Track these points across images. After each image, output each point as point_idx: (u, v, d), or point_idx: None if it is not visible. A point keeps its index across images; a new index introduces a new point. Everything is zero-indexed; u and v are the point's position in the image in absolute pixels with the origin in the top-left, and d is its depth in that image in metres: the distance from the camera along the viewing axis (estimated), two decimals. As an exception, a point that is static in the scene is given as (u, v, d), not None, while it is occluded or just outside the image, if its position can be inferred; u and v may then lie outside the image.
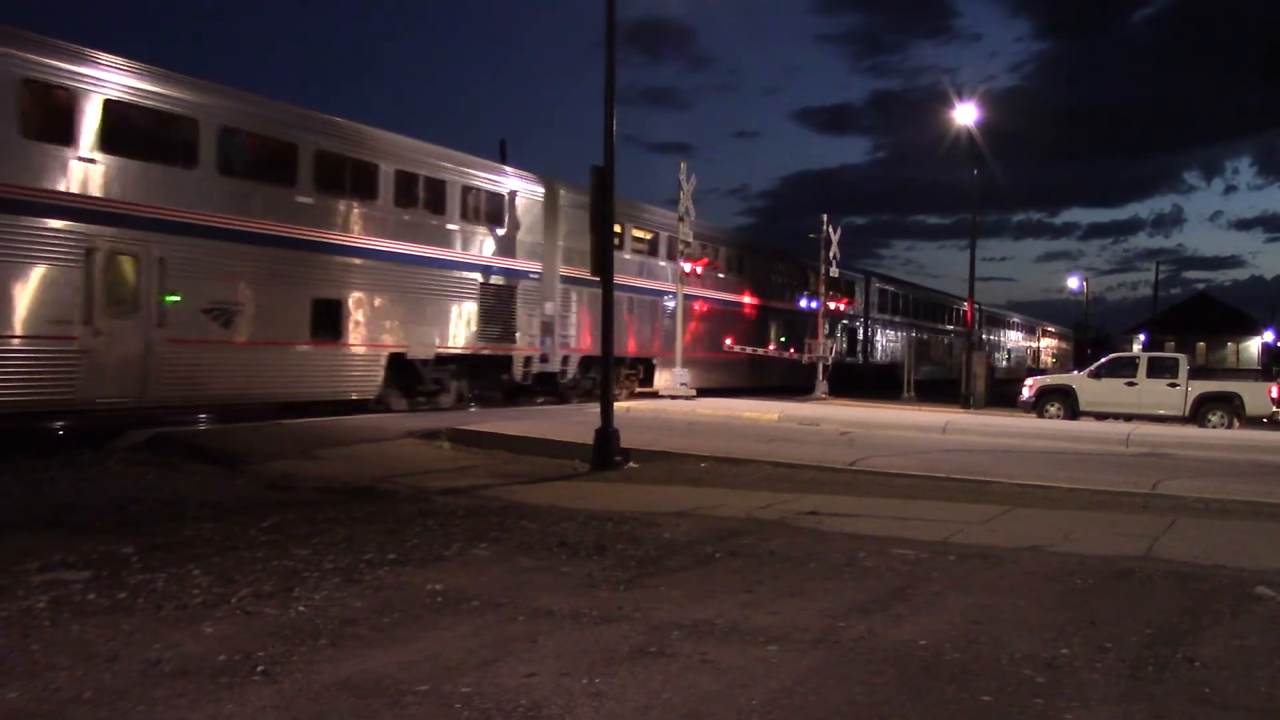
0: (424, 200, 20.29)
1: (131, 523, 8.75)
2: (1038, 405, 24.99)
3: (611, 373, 14.17)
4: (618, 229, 25.54)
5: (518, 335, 22.85)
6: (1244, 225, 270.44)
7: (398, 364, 19.61)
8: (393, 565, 7.15)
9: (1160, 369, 24.27)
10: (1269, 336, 77.96)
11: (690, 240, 27.95)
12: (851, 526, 9.15)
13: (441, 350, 20.75)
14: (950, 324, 59.95)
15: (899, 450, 15.18)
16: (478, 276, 21.69)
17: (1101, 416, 23.87)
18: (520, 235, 22.94)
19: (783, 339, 35.91)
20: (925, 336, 54.66)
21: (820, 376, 33.85)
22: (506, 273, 22.50)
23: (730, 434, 17.34)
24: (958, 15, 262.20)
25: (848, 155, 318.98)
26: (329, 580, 6.63)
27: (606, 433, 13.53)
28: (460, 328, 21.28)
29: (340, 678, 4.72)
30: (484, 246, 21.91)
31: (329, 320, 18.04)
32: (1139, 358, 26.27)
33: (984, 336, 60.09)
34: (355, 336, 18.63)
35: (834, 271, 36.04)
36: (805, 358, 34.71)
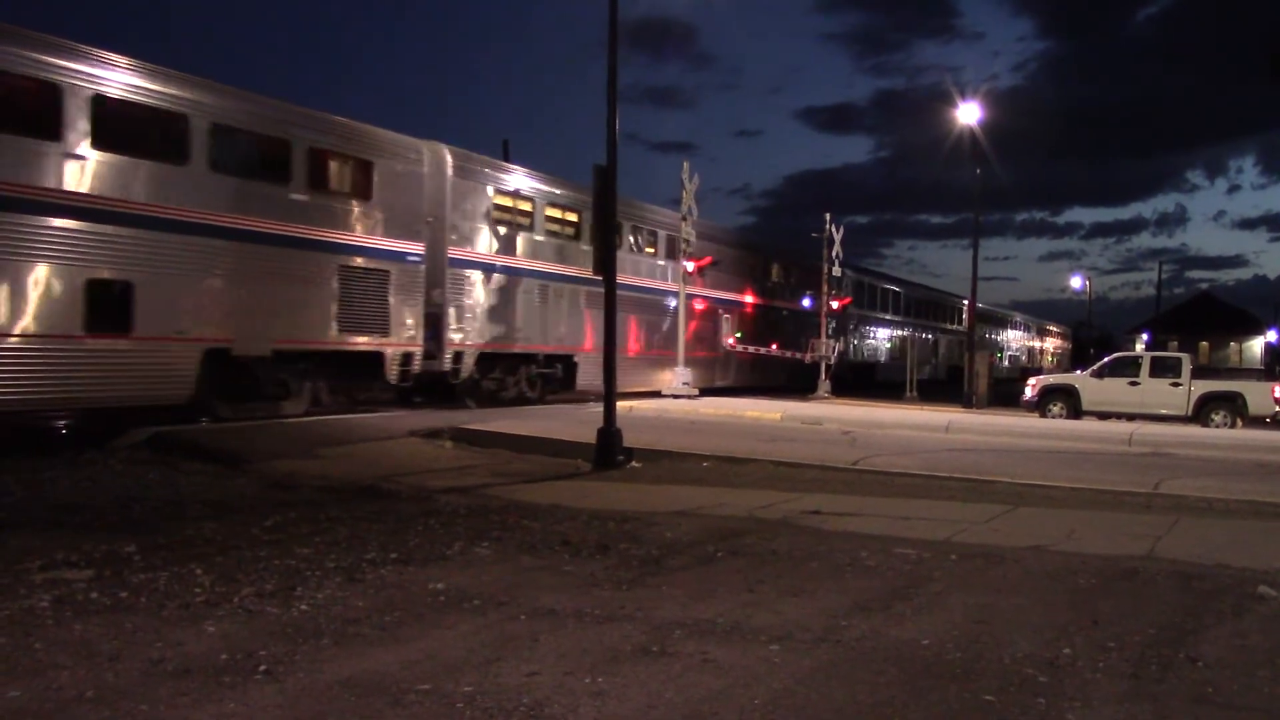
0: (257, 164, 16.73)
1: (133, 522, 8.76)
2: (1040, 405, 24.98)
3: (614, 373, 14.11)
4: (574, 218, 24.84)
5: (392, 328, 19.29)
6: (1248, 225, 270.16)
7: (222, 362, 16.00)
8: (395, 564, 7.16)
9: (1163, 368, 24.25)
10: (1272, 336, 77.88)
11: (692, 238, 27.92)
12: (854, 526, 9.15)
13: (283, 345, 17.13)
14: (939, 321, 58.66)
15: (901, 449, 15.17)
16: (334, 258, 17.96)
17: (1104, 416, 23.84)
18: (394, 210, 19.26)
19: (782, 338, 35.56)
20: (910, 334, 52.64)
21: (823, 376, 33.85)
22: (375, 254, 18.82)
23: (732, 433, 17.33)
24: (960, 14, 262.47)
25: (850, 154, 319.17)
26: (331, 579, 6.64)
27: (609, 432, 13.53)
28: (310, 319, 17.60)
29: (342, 676, 4.72)
30: (343, 222, 18.21)
31: (112, 307, 14.22)
32: (1142, 357, 26.24)
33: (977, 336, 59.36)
34: (153, 327, 14.79)
35: (836, 271, 36.02)
36: (807, 357, 34.70)
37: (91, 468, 11.96)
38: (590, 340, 25.14)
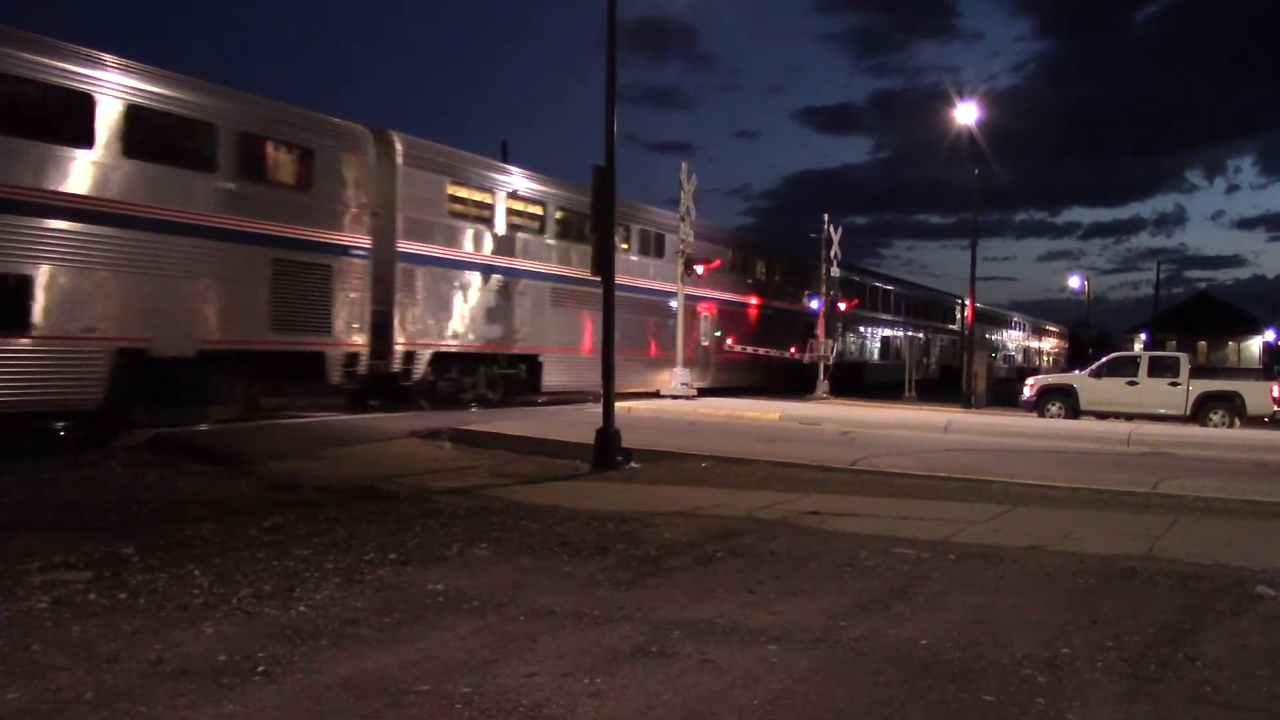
0: (178, 149, 15.56)
1: (133, 523, 8.76)
2: (1039, 404, 25.00)
3: (612, 373, 14.11)
4: (538, 211, 24.01)
5: (334, 326, 18.03)
6: (1246, 224, 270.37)
7: (138, 364, 14.83)
8: (394, 565, 7.16)
9: (1161, 368, 24.27)
10: (1270, 336, 77.86)
11: (690, 239, 27.94)
12: (853, 526, 9.15)
13: (210, 345, 15.90)
14: (931, 320, 57.30)
15: (900, 450, 15.18)
16: (267, 251, 16.76)
17: (1103, 416, 23.86)
18: (336, 201, 18.16)
19: (773, 338, 35.36)
20: (904, 334, 51.84)
21: (821, 376, 33.86)
22: (314, 247, 17.64)
23: (731, 434, 17.33)
24: (959, 15, 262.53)
25: (849, 155, 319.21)
26: (330, 580, 6.64)
27: (608, 433, 13.54)
28: (240, 317, 16.43)
29: (341, 677, 4.72)
30: (278, 212, 16.98)
31: (6, 303, 13.19)
32: (1140, 357, 26.27)
33: (966, 335, 58.54)
34: (55, 325, 13.62)
35: (835, 271, 36.02)
36: (806, 357, 34.71)
37: (92, 469, 11.96)
38: (557, 339, 24.27)
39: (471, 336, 21.82)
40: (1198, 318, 78.82)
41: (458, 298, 21.40)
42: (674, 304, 27.94)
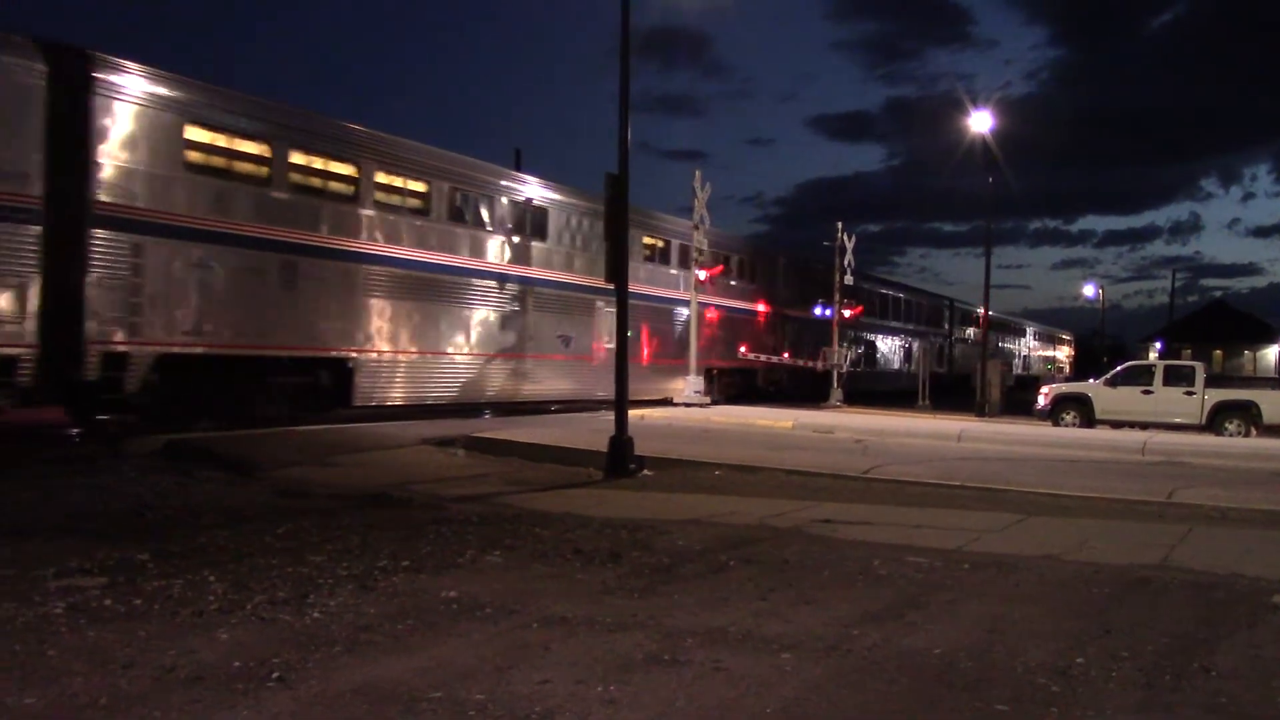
0: None
1: (147, 529, 8.80)
2: (1053, 413, 24.94)
3: (625, 381, 14.10)
4: (349, 171, 18.80)
5: None
6: (1262, 233, 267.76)
7: None
8: (407, 572, 7.17)
9: (1177, 377, 24.18)
10: (1286, 344, 77.32)
11: (704, 247, 27.94)
12: (865, 534, 9.14)
13: None
14: (927, 325, 54.18)
15: (913, 458, 15.14)
16: None
17: (1117, 425, 23.75)
18: None
19: (790, 346, 35.25)
20: (915, 342, 49.66)
21: (835, 384, 33.82)
22: None
23: (744, 442, 17.31)
24: (973, 22, 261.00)
25: (863, 163, 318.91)
26: (344, 587, 6.66)
27: (620, 440, 13.54)
28: None
29: (355, 684, 4.73)
30: None
31: None
32: (1155, 366, 26.18)
33: (959, 338, 57.81)
34: None
35: (848, 279, 35.95)
36: (819, 365, 34.68)
37: (106, 475, 12.00)
38: (377, 340, 19.04)
39: (231, 334, 16.47)
40: (1213, 326, 78.24)
41: (202, 281, 16.04)
42: (685, 311, 27.98)
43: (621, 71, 13.72)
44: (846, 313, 36.45)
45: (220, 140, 16.62)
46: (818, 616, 6.17)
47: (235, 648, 5.26)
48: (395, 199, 19.73)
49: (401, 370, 19.80)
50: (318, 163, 18.20)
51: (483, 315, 21.85)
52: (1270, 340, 78.47)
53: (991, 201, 34.84)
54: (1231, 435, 22.18)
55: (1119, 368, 26.58)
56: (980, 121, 32.03)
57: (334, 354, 18.34)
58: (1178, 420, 23.07)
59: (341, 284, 18.36)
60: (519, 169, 25.68)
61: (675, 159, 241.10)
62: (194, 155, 16.15)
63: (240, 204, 16.72)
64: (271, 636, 5.49)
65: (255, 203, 16.90)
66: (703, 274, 27.76)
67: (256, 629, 5.64)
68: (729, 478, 13.26)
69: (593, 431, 16.26)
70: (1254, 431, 22.46)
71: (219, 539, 8.30)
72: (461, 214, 21.56)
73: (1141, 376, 24.85)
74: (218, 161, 16.62)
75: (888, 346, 48.37)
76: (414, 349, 20.07)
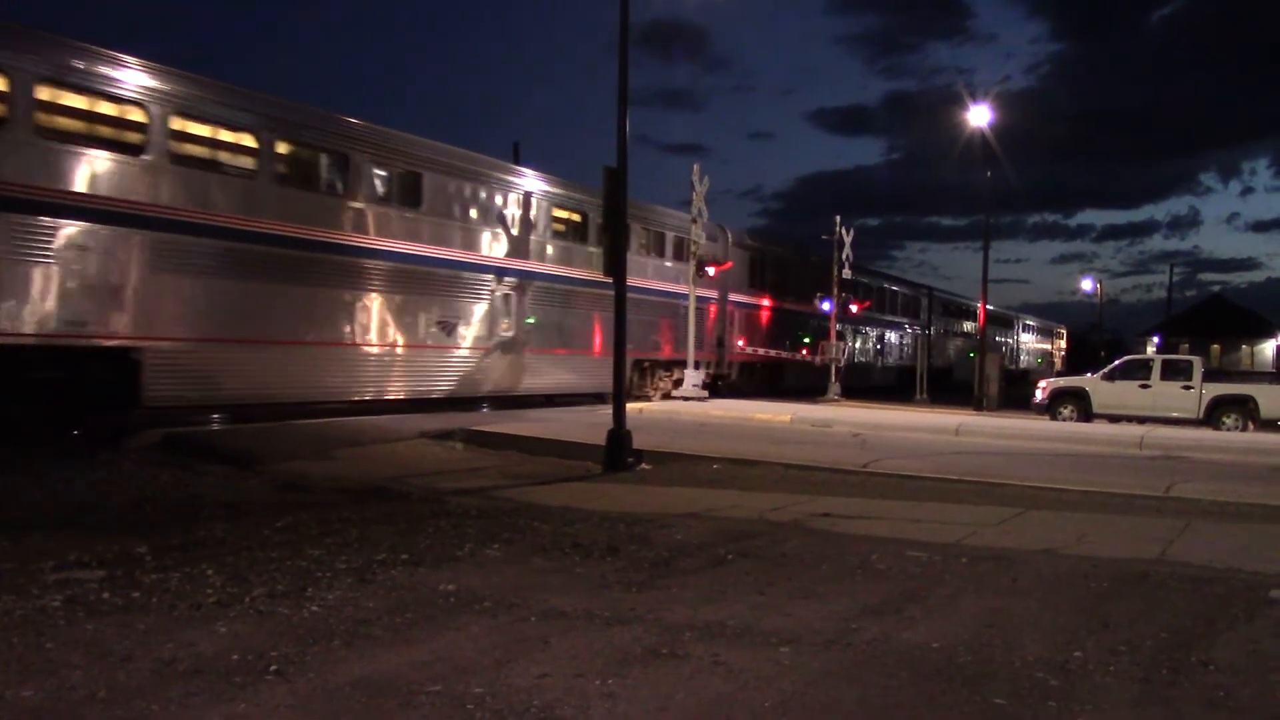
0: None
1: (146, 522, 8.79)
2: (1051, 408, 24.92)
3: (623, 376, 14.10)
4: (139, 117, 14.14)
5: None
6: (1261, 227, 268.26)
7: None
8: (406, 566, 7.17)
9: (1174, 371, 24.17)
10: (1284, 339, 77.40)
11: (702, 240, 27.87)
12: (864, 528, 9.14)
13: None
14: (888, 314, 51.01)
15: (912, 452, 15.15)
16: None
17: (1115, 419, 23.77)
18: None
19: (789, 340, 35.13)
20: (904, 335, 48.76)
21: (833, 378, 33.80)
22: None
23: (742, 436, 17.32)
24: (973, 16, 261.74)
25: (862, 156, 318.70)
26: (342, 580, 6.65)
27: (619, 434, 13.54)
28: None
29: (353, 677, 4.73)
30: None
31: None
32: (1153, 360, 26.15)
33: (938, 330, 57.06)
34: None
35: (847, 273, 35.84)
36: (817, 359, 34.65)
37: (106, 469, 11.99)
38: (172, 326, 14.74)
39: None
40: (1211, 321, 78.27)
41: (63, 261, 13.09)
42: (683, 304, 27.87)
43: (620, 66, 13.70)
44: (854, 308, 36.30)
45: None
46: (816, 610, 6.17)
47: (233, 641, 5.26)
48: (205, 152, 15.51)
49: (234, 361, 15.79)
50: (80, 102, 13.90)
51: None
52: (1268, 335, 78.56)
53: (990, 196, 34.76)
54: (1229, 430, 22.17)
55: (1117, 362, 26.56)
56: (980, 116, 31.92)
57: (110, 342, 14.08)
58: (1175, 415, 23.06)
59: (123, 254, 14.09)
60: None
61: (675, 152, 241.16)
62: None
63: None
64: (270, 630, 5.49)
65: None
66: (712, 270, 27.63)
67: (255, 622, 5.64)
68: (727, 471, 13.26)
69: (591, 425, 16.25)
70: (1251, 426, 22.44)
71: (217, 532, 8.31)
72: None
73: (1139, 371, 24.84)
74: None
75: (863, 341, 46.74)
76: (249, 337, 15.99)
